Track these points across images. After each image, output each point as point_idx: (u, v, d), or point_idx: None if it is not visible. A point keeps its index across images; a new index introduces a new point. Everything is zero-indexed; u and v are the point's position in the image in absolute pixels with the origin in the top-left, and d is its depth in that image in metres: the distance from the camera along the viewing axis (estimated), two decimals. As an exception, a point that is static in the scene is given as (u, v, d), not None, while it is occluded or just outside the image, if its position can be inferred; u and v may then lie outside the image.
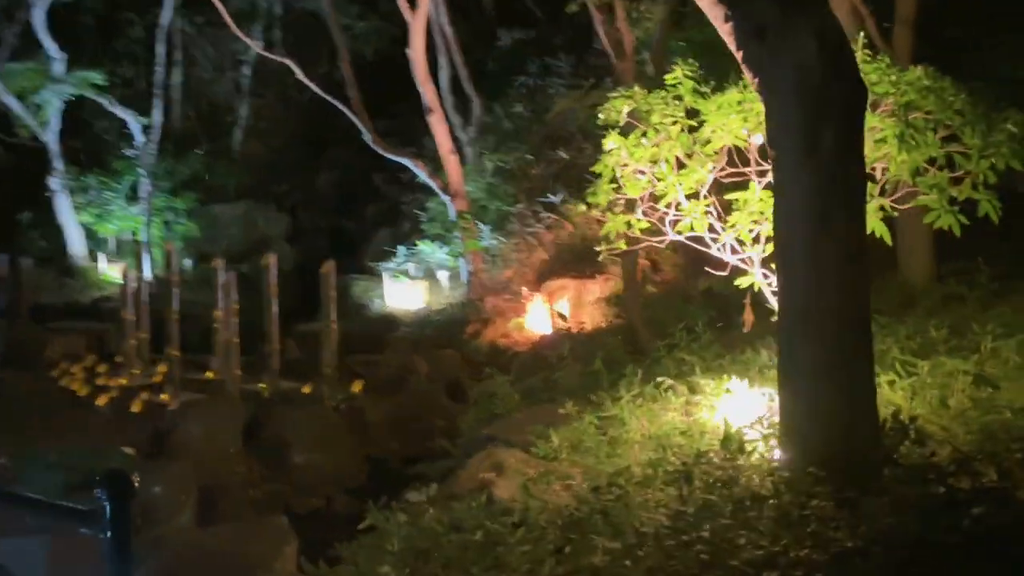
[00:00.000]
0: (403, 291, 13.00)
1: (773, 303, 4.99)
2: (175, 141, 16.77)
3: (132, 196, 15.92)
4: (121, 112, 14.82)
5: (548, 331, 10.86)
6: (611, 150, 5.59)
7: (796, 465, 3.72)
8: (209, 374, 9.97)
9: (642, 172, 5.62)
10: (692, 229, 5.46)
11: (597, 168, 5.82)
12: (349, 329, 12.50)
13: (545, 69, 15.23)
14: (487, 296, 12.20)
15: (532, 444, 4.94)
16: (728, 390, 5.06)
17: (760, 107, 4.64)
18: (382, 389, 8.69)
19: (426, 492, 5.05)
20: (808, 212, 3.86)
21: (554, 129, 14.12)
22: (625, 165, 5.65)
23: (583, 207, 11.81)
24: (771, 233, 4.18)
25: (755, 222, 5.23)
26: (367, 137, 13.10)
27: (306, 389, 9.02)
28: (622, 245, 5.91)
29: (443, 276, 13.28)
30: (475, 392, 8.78)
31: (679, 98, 5.46)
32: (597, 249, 6.17)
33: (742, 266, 5.41)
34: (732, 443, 4.10)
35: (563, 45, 16.01)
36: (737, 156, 5.40)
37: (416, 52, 12.05)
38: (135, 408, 8.29)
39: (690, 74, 5.45)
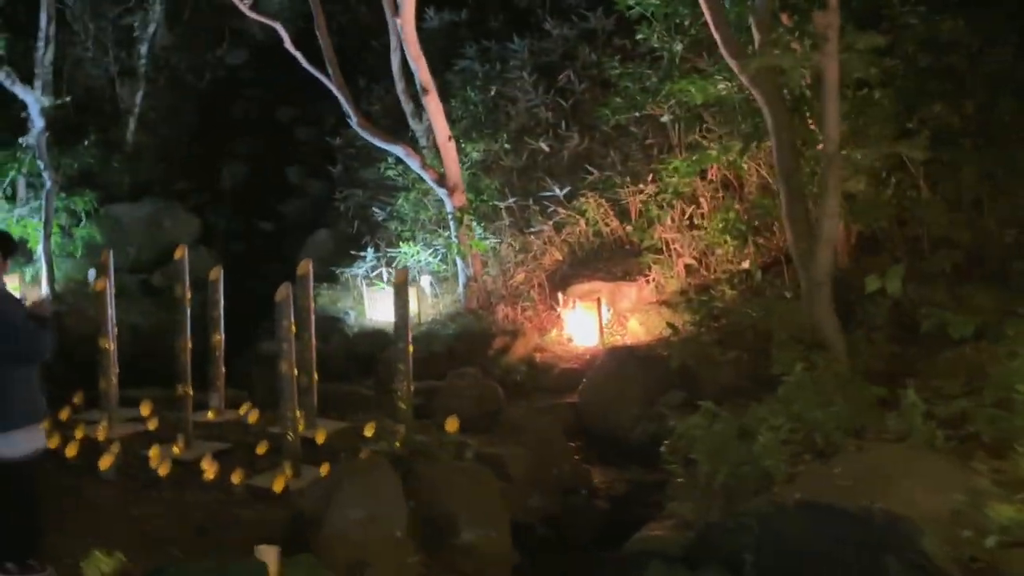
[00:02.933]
0: (386, 301, 11.23)
1: None
2: (57, 130, 14.11)
3: (10, 196, 13.25)
4: (22, 92, 12.18)
5: (595, 343, 9.50)
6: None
7: None
8: (211, 414, 8.02)
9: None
10: None
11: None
12: (332, 348, 10.73)
13: (483, 53, 13.81)
14: (497, 304, 10.70)
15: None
16: None
17: None
18: (472, 426, 7.09)
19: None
20: None
21: (529, 118, 12.75)
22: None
23: (592, 202, 10.76)
24: None
25: None
26: (354, 121, 11.26)
27: (368, 431, 7.28)
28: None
29: (427, 283, 11.62)
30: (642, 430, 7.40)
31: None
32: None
33: None
34: None
35: (500, 29, 14.71)
36: None
37: (407, 22, 10.35)
38: (207, 475, 6.42)
39: None
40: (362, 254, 12.25)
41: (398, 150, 11.02)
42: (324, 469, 6.48)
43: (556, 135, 12.35)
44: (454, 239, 10.90)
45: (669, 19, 10.32)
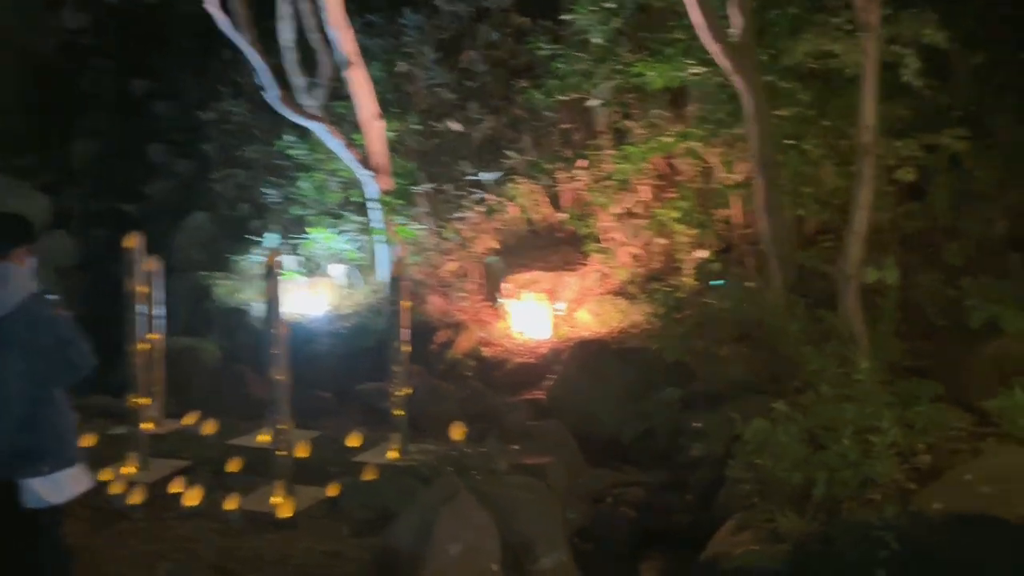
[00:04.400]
0: (298, 292, 10.34)
1: None
2: None
3: None
4: None
5: (546, 336, 9.07)
6: None
7: None
8: (150, 425, 7.01)
9: None
10: None
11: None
12: (239, 345, 9.78)
13: (368, 27, 13.05)
14: (428, 295, 10.05)
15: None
16: None
17: None
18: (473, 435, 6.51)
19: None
20: None
21: (431, 97, 12.10)
22: None
23: (524, 188, 10.32)
24: None
25: None
26: (272, 95, 10.21)
27: (353, 441, 6.56)
28: None
29: (339, 272, 10.79)
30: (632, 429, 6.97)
31: None
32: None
33: None
34: None
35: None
36: None
37: (333, -14, 9.48)
38: (188, 500, 5.47)
39: None
40: (258, 239, 11.24)
41: (319, 127, 10.11)
42: (333, 490, 5.74)
43: (466, 117, 11.78)
44: (378, 225, 10.13)
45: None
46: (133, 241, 6.57)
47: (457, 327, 9.31)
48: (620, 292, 9.19)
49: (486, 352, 9.13)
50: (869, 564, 4.37)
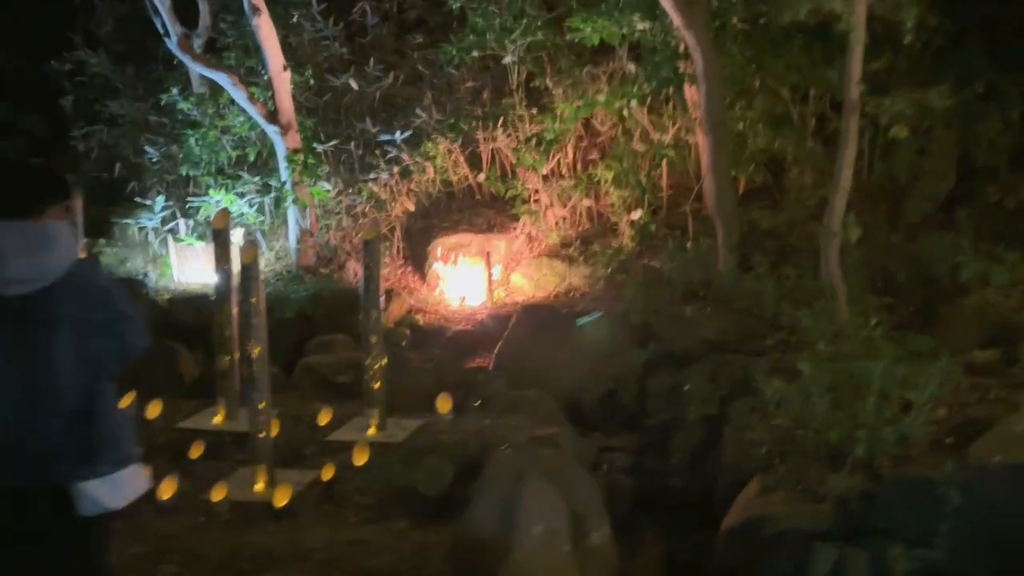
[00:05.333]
0: (199, 260, 9.54)
1: None
2: None
3: None
4: None
5: (482, 302, 8.74)
6: None
7: None
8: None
9: None
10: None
11: None
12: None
13: None
14: (345, 261, 9.49)
15: None
16: None
17: None
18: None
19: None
20: None
21: (318, 52, 11.39)
22: None
23: (442, 148, 9.89)
24: None
25: None
26: (172, 43, 9.23)
27: (323, 419, 6.04)
28: None
29: (239, 237, 10.02)
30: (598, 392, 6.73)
31: None
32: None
33: None
34: None
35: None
36: None
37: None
38: (162, 493, 4.79)
39: None
40: (147, 203, 10.30)
41: (222, 78, 9.27)
42: (327, 473, 5.25)
43: (362, 73, 11.16)
44: (289, 186, 9.45)
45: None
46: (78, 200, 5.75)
47: (387, 295, 8.82)
48: (555, 255, 8.98)
49: (420, 320, 8.72)
50: (930, 520, 4.36)
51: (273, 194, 10.03)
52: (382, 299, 8.75)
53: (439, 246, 9.19)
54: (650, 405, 6.82)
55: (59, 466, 2.96)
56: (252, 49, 10.55)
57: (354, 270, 9.37)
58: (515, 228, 9.38)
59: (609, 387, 7.19)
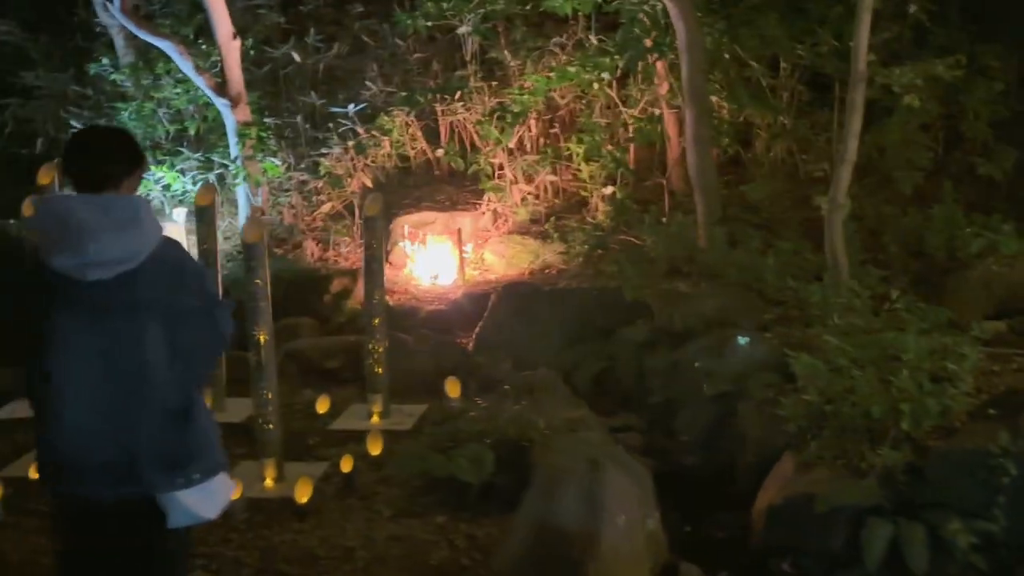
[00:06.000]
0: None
1: None
2: None
3: None
4: None
5: (454, 280, 8.42)
6: None
7: None
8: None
9: None
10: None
11: None
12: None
13: None
14: (303, 240, 9.03)
15: None
16: None
17: None
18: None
19: None
20: None
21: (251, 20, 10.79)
22: None
23: (399, 122, 9.48)
24: None
25: None
26: (115, 8, 8.51)
27: (322, 407, 5.68)
28: None
29: (181, 217, 9.43)
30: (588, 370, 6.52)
31: None
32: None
33: None
34: None
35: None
36: None
37: None
38: None
39: None
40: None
41: (168, 47, 8.62)
42: (346, 464, 4.91)
43: (302, 45, 10.61)
44: (239, 162, 8.92)
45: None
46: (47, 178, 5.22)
47: (352, 274, 8.43)
48: (525, 231, 8.74)
49: (389, 300, 8.35)
50: (986, 492, 4.35)
51: (217, 170, 9.47)
52: (346, 279, 8.48)
53: (404, 224, 8.83)
54: (651, 383, 6.70)
55: (150, 474, 2.58)
56: (184, 17, 9.94)
57: (311, 250, 8.95)
58: (478, 205, 9.09)
59: (603, 365, 7.04)
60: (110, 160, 2.64)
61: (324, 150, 9.45)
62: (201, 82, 8.69)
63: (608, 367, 6.98)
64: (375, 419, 5.64)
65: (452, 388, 5.70)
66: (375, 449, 5.10)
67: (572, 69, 8.57)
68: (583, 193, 8.83)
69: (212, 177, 9.49)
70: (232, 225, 9.38)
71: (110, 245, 2.51)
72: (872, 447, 4.76)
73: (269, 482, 4.90)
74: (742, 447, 5.61)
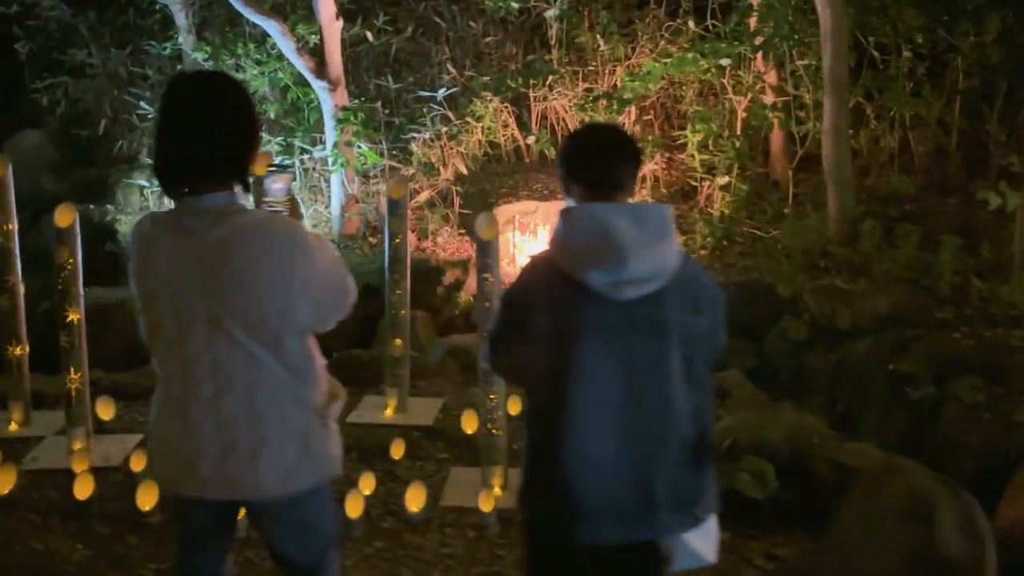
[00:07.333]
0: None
1: None
2: None
3: None
4: None
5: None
6: None
7: None
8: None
9: None
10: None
11: None
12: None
13: None
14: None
15: None
16: None
17: None
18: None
19: None
20: None
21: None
22: None
23: (492, 108, 9.10)
24: None
25: None
26: None
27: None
28: None
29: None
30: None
31: None
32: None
33: None
34: None
35: None
36: None
37: None
38: None
39: None
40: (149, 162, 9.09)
41: (272, 26, 8.12)
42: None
43: (370, 26, 10.15)
44: (332, 148, 8.47)
45: None
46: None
47: (464, 265, 8.07)
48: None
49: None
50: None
51: (300, 156, 9.04)
52: (458, 271, 8.12)
53: (499, 214, 8.45)
54: (813, 382, 6.48)
55: (664, 513, 2.28)
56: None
57: (410, 240, 8.54)
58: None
59: (754, 363, 6.81)
60: (628, 161, 2.33)
61: (413, 135, 9.06)
62: (301, 64, 8.22)
63: (758, 365, 6.75)
64: (388, 414, 5.51)
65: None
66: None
67: (689, 56, 8.28)
68: (692, 183, 8.57)
69: (297, 162, 9.06)
70: (318, 213, 8.96)
71: (646, 261, 2.21)
72: None
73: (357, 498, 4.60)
74: (955, 453, 5.40)
